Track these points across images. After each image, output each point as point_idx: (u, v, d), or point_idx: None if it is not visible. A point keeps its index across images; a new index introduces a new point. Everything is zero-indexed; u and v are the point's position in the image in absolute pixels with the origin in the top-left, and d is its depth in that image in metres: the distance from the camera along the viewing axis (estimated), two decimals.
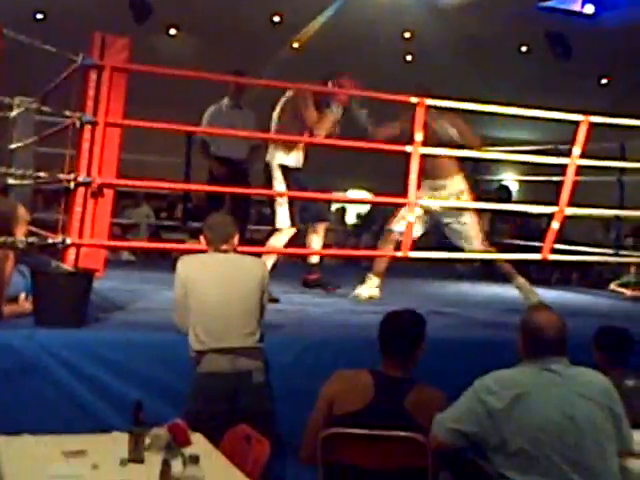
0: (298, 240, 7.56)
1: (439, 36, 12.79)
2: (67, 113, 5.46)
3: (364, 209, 15.92)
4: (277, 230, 7.25)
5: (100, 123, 5.43)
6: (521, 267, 7.27)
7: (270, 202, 7.39)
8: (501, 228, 11.48)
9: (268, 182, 7.32)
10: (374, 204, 13.74)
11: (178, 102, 11.44)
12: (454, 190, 7.25)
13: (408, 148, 6.36)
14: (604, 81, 15.19)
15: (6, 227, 5.24)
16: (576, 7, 12.87)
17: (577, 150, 6.77)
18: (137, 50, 5.62)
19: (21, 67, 7.13)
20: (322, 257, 8.28)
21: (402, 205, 6.91)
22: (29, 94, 7.10)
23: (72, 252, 5.35)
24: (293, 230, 7.23)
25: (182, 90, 10.23)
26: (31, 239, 5.41)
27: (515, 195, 16.30)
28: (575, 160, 6.79)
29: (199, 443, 3.92)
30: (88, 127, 5.42)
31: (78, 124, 5.41)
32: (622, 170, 9.83)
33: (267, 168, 7.33)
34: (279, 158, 7.26)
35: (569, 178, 6.81)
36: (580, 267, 10.89)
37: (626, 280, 9.62)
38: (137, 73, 5.82)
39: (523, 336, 3.95)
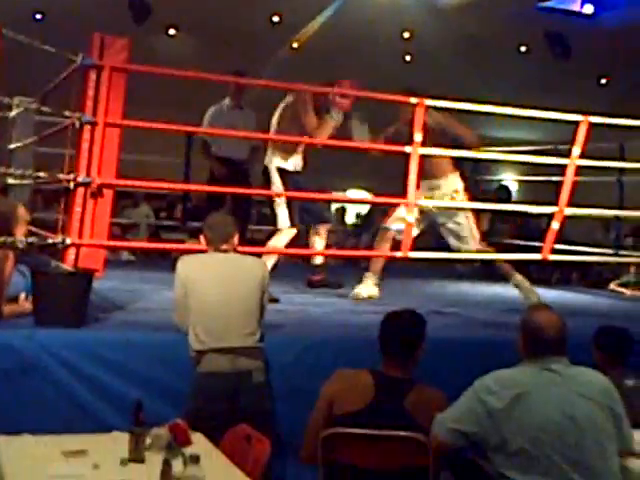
0: (299, 242, 7.57)
1: (438, 36, 12.78)
2: (66, 113, 5.46)
3: (363, 209, 15.92)
4: (277, 231, 7.27)
5: (99, 123, 5.43)
6: (521, 267, 7.26)
7: (270, 205, 7.40)
8: (501, 228, 11.47)
9: (267, 185, 7.34)
10: (373, 204, 13.73)
11: (177, 102, 11.46)
12: (448, 190, 7.23)
13: (407, 148, 6.36)
14: (603, 81, 15.19)
15: (6, 227, 5.24)
16: (575, 7, 12.87)
17: (577, 150, 6.77)
18: (136, 50, 5.62)
19: (20, 67, 7.12)
20: (325, 258, 8.28)
21: (399, 205, 6.93)
22: (28, 94, 7.10)
23: (72, 252, 5.36)
24: (294, 231, 7.24)
25: (181, 90, 10.25)
26: (31, 239, 5.41)
27: (515, 195, 16.30)
28: (575, 160, 6.80)
29: (199, 443, 3.92)
30: (87, 127, 5.42)
31: (77, 124, 5.42)
32: (621, 170, 9.83)
33: (266, 171, 7.35)
34: (277, 162, 7.28)
35: (569, 178, 6.81)
36: (580, 267, 10.89)
37: (626, 280, 9.62)
38: (136, 73, 5.82)
39: (523, 336, 3.95)
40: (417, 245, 6.70)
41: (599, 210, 8.03)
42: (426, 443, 3.93)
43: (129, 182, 6.27)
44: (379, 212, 12.37)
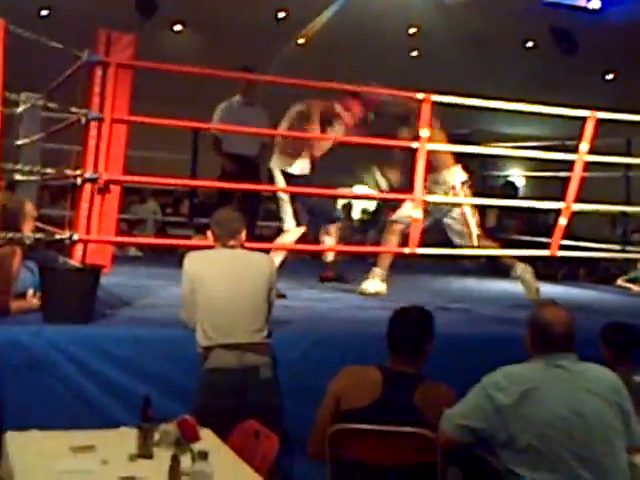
0: (307, 241, 7.59)
1: (445, 32, 12.78)
2: (73, 109, 5.46)
3: (369, 205, 15.92)
4: (284, 231, 7.28)
5: (106, 119, 5.43)
6: (528, 263, 7.24)
7: (276, 206, 7.42)
8: (508, 224, 11.46)
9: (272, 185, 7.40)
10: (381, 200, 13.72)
11: (183, 98, 11.45)
12: (445, 185, 7.19)
13: (414, 144, 6.35)
14: (610, 77, 15.17)
15: (13, 223, 5.25)
16: (581, 2, 12.87)
17: (585, 146, 6.76)
18: (142, 46, 5.62)
19: (27, 64, 7.13)
20: (337, 255, 8.29)
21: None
22: (35, 90, 7.10)
23: (79, 248, 5.36)
24: (301, 230, 7.24)
25: (187, 86, 10.25)
26: (38, 235, 5.43)
27: (522, 191, 16.29)
28: (583, 156, 6.78)
29: (208, 439, 3.93)
30: (94, 123, 5.42)
31: (84, 120, 5.42)
32: (628, 166, 9.81)
33: (270, 173, 7.37)
34: (282, 166, 7.29)
35: (576, 174, 6.80)
36: (587, 263, 10.87)
37: (633, 276, 9.59)
38: (142, 69, 5.82)
39: (531, 332, 3.96)
40: (423, 241, 6.69)
41: (606, 206, 8.02)
42: (434, 439, 3.93)
43: (136, 178, 6.27)
44: (387, 208, 12.36)
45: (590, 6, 12.81)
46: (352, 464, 4.05)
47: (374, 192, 10.39)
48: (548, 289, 7.96)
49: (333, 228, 7.73)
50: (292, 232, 7.24)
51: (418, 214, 6.50)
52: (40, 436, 3.92)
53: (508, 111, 7.14)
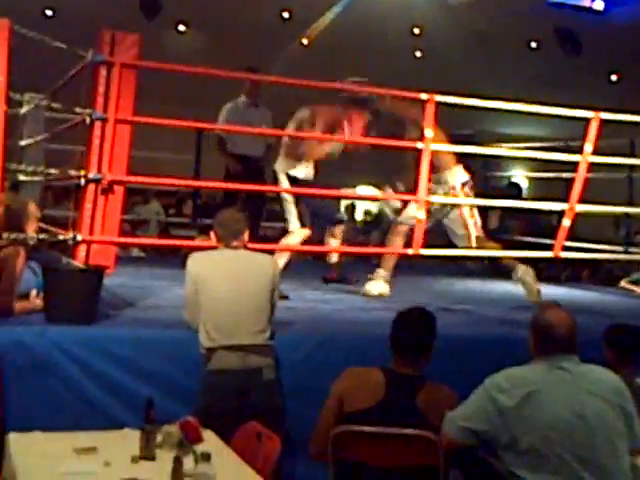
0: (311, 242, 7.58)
1: (448, 32, 12.78)
2: (77, 110, 5.46)
3: (372, 206, 15.90)
4: (289, 232, 7.27)
5: (110, 120, 5.43)
6: (531, 264, 7.23)
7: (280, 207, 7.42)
8: (511, 225, 11.45)
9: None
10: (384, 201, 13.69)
11: (186, 98, 11.47)
12: (446, 186, 7.18)
13: (419, 145, 6.35)
14: (614, 77, 15.16)
15: (17, 224, 5.26)
16: (586, 3, 12.86)
17: (589, 147, 6.75)
18: (146, 46, 5.62)
19: (31, 63, 7.14)
20: (341, 256, 8.29)
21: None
22: (39, 91, 7.11)
23: (83, 249, 5.37)
24: (306, 232, 7.23)
25: (191, 86, 10.26)
26: (42, 236, 5.43)
27: (525, 192, 16.27)
28: (587, 157, 6.77)
29: (210, 440, 3.93)
30: (98, 124, 5.43)
31: (88, 121, 5.42)
32: (632, 167, 9.79)
33: (274, 175, 7.37)
34: (287, 169, 7.28)
35: (580, 175, 6.79)
36: (590, 264, 10.85)
37: (636, 277, 9.57)
38: (146, 69, 5.82)
39: (534, 334, 3.95)
40: (426, 242, 6.69)
41: (609, 207, 8.00)
42: (436, 441, 3.93)
43: (140, 179, 6.26)
44: (388, 209, 12.34)
45: (594, 7, 12.80)
46: (355, 466, 4.05)
47: (377, 193, 10.37)
48: (551, 291, 7.96)
49: (338, 230, 7.73)
50: (297, 233, 7.23)
51: (422, 215, 6.49)
52: (43, 437, 3.92)
53: (512, 111, 7.13)
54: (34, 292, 5.36)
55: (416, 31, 13.57)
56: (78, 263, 5.30)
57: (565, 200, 6.88)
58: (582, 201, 6.86)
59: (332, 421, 4.11)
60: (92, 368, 4.78)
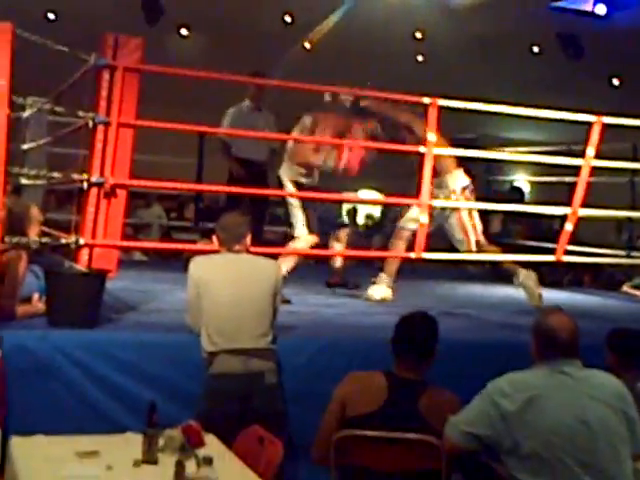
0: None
1: (451, 36, 12.78)
2: (80, 113, 5.46)
3: (374, 210, 15.92)
4: (294, 238, 7.26)
5: (113, 123, 5.43)
6: (534, 269, 7.23)
7: (286, 213, 7.41)
8: (513, 229, 11.45)
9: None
10: (386, 205, 13.71)
11: (188, 102, 11.46)
12: (447, 190, 7.17)
13: (422, 149, 6.35)
14: (616, 82, 15.15)
15: (19, 227, 5.26)
16: (588, 7, 12.83)
17: (591, 151, 6.74)
18: (148, 50, 5.62)
19: (33, 67, 7.14)
20: (344, 260, 8.25)
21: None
22: (41, 94, 7.11)
23: (85, 252, 5.36)
24: (312, 238, 7.21)
25: (192, 90, 10.25)
26: (44, 239, 5.43)
27: (527, 196, 16.26)
28: (589, 161, 6.77)
29: (212, 444, 3.92)
30: (101, 127, 5.42)
31: (91, 124, 5.42)
32: (634, 171, 9.79)
33: (279, 181, 7.36)
34: (291, 175, 7.28)
35: (583, 179, 6.78)
36: (592, 269, 10.84)
37: (639, 282, 9.57)
38: (148, 73, 5.82)
39: (536, 338, 3.95)
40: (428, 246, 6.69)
41: (612, 211, 8.00)
42: (439, 446, 3.93)
43: (142, 182, 6.27)
44: (392, 213, 12.36)
45: (596, 11, 12.79)
46: (357, 470, 4.05)
47: (379, 197, 10.38)
48: (554, 295, 7.95)
49: (342, 234, 7.70)
50: (303, 239, 7.21)
51: (425, 218, 6.48)
52: (45, 441, 3.92)
53: (514, 115, 7.13)
54: (36, 296, 5.36)
55: (418, 35, 13.56)
56: (80, 267, 5.30)
57: (567, 204, 6.88)
58: (584, 205, 6.86)
59: (334, 425, 4.11)
60: (94, 372, 4.79)
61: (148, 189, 10.98)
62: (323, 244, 7.68)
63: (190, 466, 3.43)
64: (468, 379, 4.34)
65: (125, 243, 6.69)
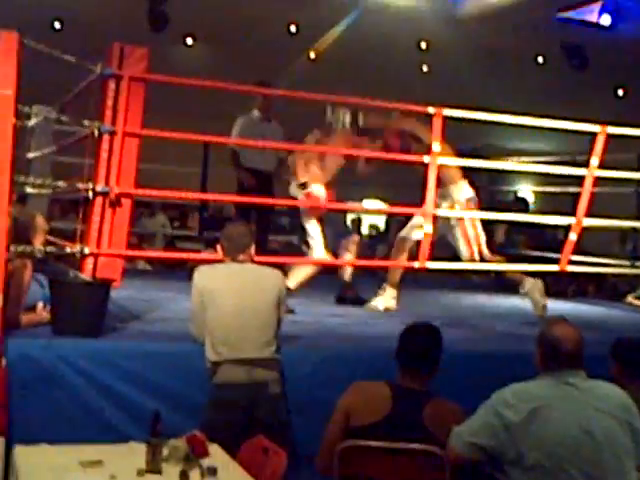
0: None
1: (456, 47, 12.79)
2: (85, 122, 5.47)
3: (377, 220, 15.91)
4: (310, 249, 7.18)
5: (118, 133, 5.44)
6: (539, 279, 7.22)
7: (305, 240, 7.33)
8: (517, 239, 11.44)
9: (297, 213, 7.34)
10: (390, 215, 13.71)
11: (194, 111, 11.49)
12: (451, 200, 7.15)
13: (426, 158, 6.35)
14: (620, 92, 15.16)
15: (24, 236, 5.26)
16: (593, 18, 12.83)
17: (595, 161, 6.74)
18: (154, 60, 5.63)
19: (39, 76, 7.15)
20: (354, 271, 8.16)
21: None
22: (47, 103, 7.12)
23: (90, 262, 5.37)
24: (328, 258, 7.16)
25: (198, 99, 10.26)
26: (49, 248, 5.43)
27: (531, 206, 16.26)
28: (593, 171, 6.77)
29: (216, 454, 3.92)
30: (106, 137, 5.44)
31: (96, 133, 5.43)
32: (639, 181, 9.77)
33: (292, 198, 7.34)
34: (301, 193, 7.22)
35: (587, 189, 6.78)
36: (596, 280, 10.83)
37: None
38: (154, 82, 5.83)
39: (540, 349, 3.94)
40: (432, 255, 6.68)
41: (616, 221, 7.99)
42: (443, 456, 3.92)
43: (147, 192, 6.27)
44: (396, 223, 12.35)
45: (601, 22, 12.79)
46: None
47: (383, 206, 10.37)
48: (558, 306, 7.94)
49: (352, 244, 7.62)
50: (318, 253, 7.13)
51: (429, 228, 6.46)
52: (49, 450, 3.91)
53: (518, 126, 7.13)
54: (41, 304, 5.37)
55: (423, 45, 13.59)
56: (85, 276, 5.31)
57: (572, 214, 6.87)
58: (589, 215, 6.85)
59: (338, 435, 4.10)
60: (98, 381, 4.80)
61: (153, 198, 10.98)
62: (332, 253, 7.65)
63: (194, 476, 3.44)
64: (472, 390, 4.33)
65: (130, 252, 6.69)
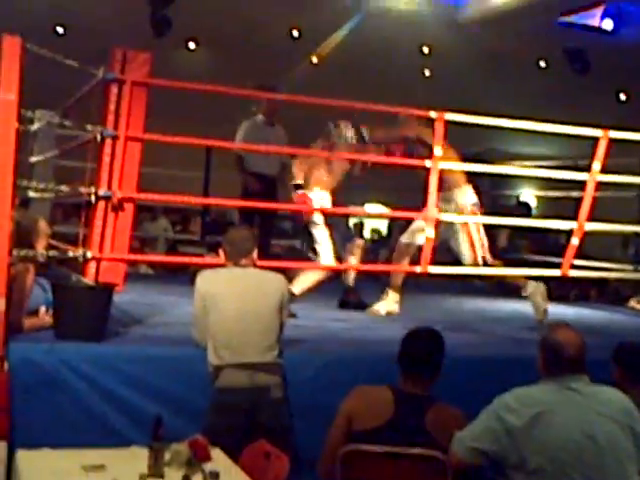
0: None
1: (458, 51, 12.80)
2: (88, 127, 5.48)
3: (380, 224, 15.90)
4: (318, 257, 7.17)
5: (121, 137, 5.44)
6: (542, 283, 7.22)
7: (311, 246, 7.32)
8: (520, 244, 11.44)
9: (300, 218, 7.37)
10: (392, 219, 13.69)
11: (197, 116, 11.49)
12: (455, 204, 7.15)
13: (428, 163, 6.35)
14: (622, 96, 15.16)
15: (27, 240, 5.26)
16: (595, 23, 12.84)
17: (597, 165, 6.74)
18: (156, 64, 5.64)
19: (42, 81, 7.17)
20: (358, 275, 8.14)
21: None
22: (50, 108, 7.13)
23: (92, 266, 5.36)
24: (335, 264, 7.15)
25: (201, 104, 10.27)
26: (51, 252, 5.43)
27: (534, 211, 16.26)
28: (595, 176, 6.76)
29: (219, 459, 3.92)
30: (109, 141, 5.44)
31: (99, 138, 5.44)
32: None
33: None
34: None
35: (589, 194, 6.77)
36: (598, 284, 10.82)
37: None
38: (156, 87, 5.84)
39: (543, 354, 3.95)
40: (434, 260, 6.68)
41: (618, 226, 7.98)
42: (445, 461, 3.92)
43: (150, 196, 6.27)
44: (398, 227, 12.35)
45: (603, 26, 12.79)
46: None
47: (385, 211, 10.36)
48: (560, 310, 7.93)
49: (356, 248, 7.55)
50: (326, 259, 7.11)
51: (431, 232, 6.45)
52: (51, 455, 3.92)
53: (520, 130, 7.13)
54: (43, 309, 5.37)
55: (425, 50, 13.60)
56: (88, 280, 5.30)
57: (574, 219, 6.87)
58: (591, 220, 6.85)
59: (341, 440, 4.10)
60: (101, 385, 4.79)
61: (155, 202, 10.99)
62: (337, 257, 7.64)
63: None
64: (474, 394, 4.32)
65: (132, 257, 6.69)
